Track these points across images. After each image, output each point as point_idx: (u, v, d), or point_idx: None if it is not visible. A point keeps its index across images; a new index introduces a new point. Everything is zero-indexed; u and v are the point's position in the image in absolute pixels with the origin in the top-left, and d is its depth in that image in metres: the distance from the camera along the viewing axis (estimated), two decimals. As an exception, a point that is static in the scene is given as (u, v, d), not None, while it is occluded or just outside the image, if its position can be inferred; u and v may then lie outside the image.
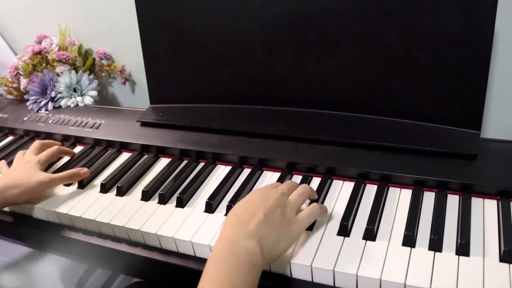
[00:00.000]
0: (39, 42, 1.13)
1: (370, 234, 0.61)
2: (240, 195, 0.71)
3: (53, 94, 1.05)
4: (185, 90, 0.92)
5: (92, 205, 0.75)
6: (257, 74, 0.85)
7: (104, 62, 1.14)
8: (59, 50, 1.10)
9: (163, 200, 0.74)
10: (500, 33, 0.80)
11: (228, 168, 0.80)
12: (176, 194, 0.73)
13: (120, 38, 1.12)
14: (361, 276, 0.56)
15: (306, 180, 0.73)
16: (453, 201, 0.66)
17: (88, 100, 1.05)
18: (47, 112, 1.04)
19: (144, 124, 0.92)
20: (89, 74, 1.09)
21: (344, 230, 0.62)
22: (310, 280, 0.59)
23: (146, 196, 0.75)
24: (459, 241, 0.58)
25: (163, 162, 0.85)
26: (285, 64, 0.82)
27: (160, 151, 0.87)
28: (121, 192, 0.77)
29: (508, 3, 0.76)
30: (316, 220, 0.65)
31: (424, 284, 0.54)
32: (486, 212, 0.63)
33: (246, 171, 0.79)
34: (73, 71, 1.07)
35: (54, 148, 0.85)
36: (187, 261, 0.66)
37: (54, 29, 1.14)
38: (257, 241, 0.54)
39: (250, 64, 0.84)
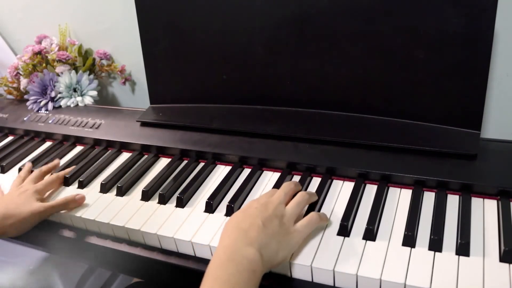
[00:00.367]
0: (39, 42, 1.13)
1: (370, 234, 0.61)
2: (240, 195, 0.71)
3: (53, 94, 1.05)
4: (185, 90, 0.92)
5: (92, 205, 0.75)
6: (257, 74, 0.85)
7: (104, 62, 1.14)
8: (59, 50, 1.10)
9: (163, 200, 0.74)
10: (500, 33, 0.80)
11: (228, 168, 0.80)
12: (176, 194, 0.73)
13: (120, 38, 1.12)
14: (361, 276, 0.56)
15: (305, 180, 0.73)
16: (453, 201, 0.66)
17: (88, 100, 1.05)
18: (47, 112, 1.04)
19: (144, 124, 0.92)
20: (89, 74, 1.09)
21: (344, 230, 0.62)
22: (310, 280, 0.59)
23: (146, 196, 0.75)
24: (459, 241, 0.58)
25: (163, 162, 0.85)
26: (285, 64, 0.82)
27: (160, 151, 0.87)
28: (121, 192, 0.77)
29: (508, 3, 0.76)
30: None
31: (424, 284, 0.54)
32: (486, 212, 0.63)
33: (246, 171, 0.79)
34: (73, 71, 1.07)
35: (53, 176, 0.81)
36: (187, 261, 0.66)
37: (54, 29, 1.14)
38: (257, 249, 0.54)
39: (250, 64, 0.84)
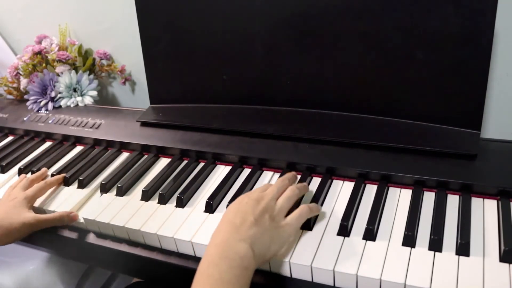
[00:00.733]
0: (39, 42, 1.13)
1: (370, 234, 0.61)
2: (240, 195, 0.71)
3: (53, 94, 1.05)
4: (185, 90, 0.92)
5: (92, 205, 0.75)
6: (257, 74, 0.85)
7: (104, 62, 1.14)
8: (59, 50, 1.10)
9: (163, 200, 0.74)
10: (500, 33, 0.80)
11: (228, 168, 0.80)
12: (176, 194, 0.73)
13: (120, 38, 1.12)
14: (361, 276, 0.56)
15: (305, 180, 0.73)
16: (453, 201, 0.66)
17: (88, 100, 1.05)
18: (47, 112, 1.04)
19: (144, 124, 0.92)
20: (89, 74, 1.09)
21: (344, 230, 0.62)
22: (310, 280, 0.59)
23: (146, 196, 0.75)
24: (459, 241, 0.58)
25: (163, 162, 0.85)
26: (285, 64, 0.82)
27: (160, 151, 0.87)
28: (121, 192, 0.77)
29: (508, 3, 0.76)
30: (315, 220, 0.65)
31: (424, 284, 0.54)
32: (486, 212, 0.63)
33: (246, 171, 0.79)
34: (73, 71, 1.07)
35: (42, 183, 0.78)
36: (187, 261, 0.66)
37: (54, 29, 1.14)
38: (250, 245, 0.55)
39: (250, 64, 0.84)
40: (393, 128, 0.76)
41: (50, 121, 1.00)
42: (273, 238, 0.58)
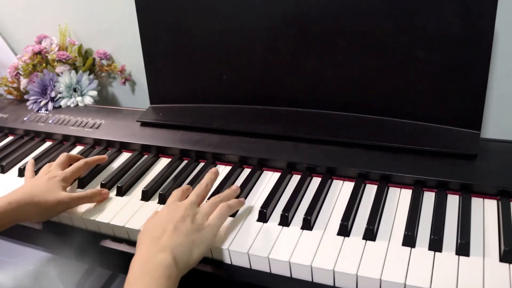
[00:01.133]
0: (39, 42, 1.13)
1: (370, 234, 0.61)
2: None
3: (53, 94, 1.05)
4: (185, 90, 0.92)
5: (92, 205, 0.75)
6: (257, 74, 0.85)
7: (104, 62, 1.14)
8: (59, 50, 1.10)
9: (163, 200, 0.74)
10: (500, 33, 0.80)
11: (228, 168, 0.80)
12: (176, 194, 0.73)
13: (120, 38, 1.12)
14: (361, 276, 0.56)
15: (305, 180, 0.73)
16: (453, 201, 0.66)
17: (88, 100, 1.05)
18: (47, 112, 1.04)
19: (144, 124, 0.92)
20: (89, 74, 1.09)
21: (344, 230, 0.62)
22: (310, 280, 0.59)
23: (146, 196, 0.75)
24: (459, 241, 0.58)
25: (163, 162, 0.85)
26: (285, 64, 0.82)
27: (160, 151, 0.87)
28: (121, 192, 0.77)
29: (508, 3, 0.76)
30: (315, 220, 0.65)
31: (424, 284, 0.54)
32: (486, 212, 0.63)
33: (246, 171, 0.79)
34: (73, 71, 1.07)
35: (81, 162, 0.80)
36: (187, 261, 0.66)
37: (54, 29, 1.14)
38: (170, 253, 0.55)
39: (250, 64, 0.84)
40: (393, 128, 0.76)
41: (50, 121, 1.00)
42: (195, 242, 0.58)
